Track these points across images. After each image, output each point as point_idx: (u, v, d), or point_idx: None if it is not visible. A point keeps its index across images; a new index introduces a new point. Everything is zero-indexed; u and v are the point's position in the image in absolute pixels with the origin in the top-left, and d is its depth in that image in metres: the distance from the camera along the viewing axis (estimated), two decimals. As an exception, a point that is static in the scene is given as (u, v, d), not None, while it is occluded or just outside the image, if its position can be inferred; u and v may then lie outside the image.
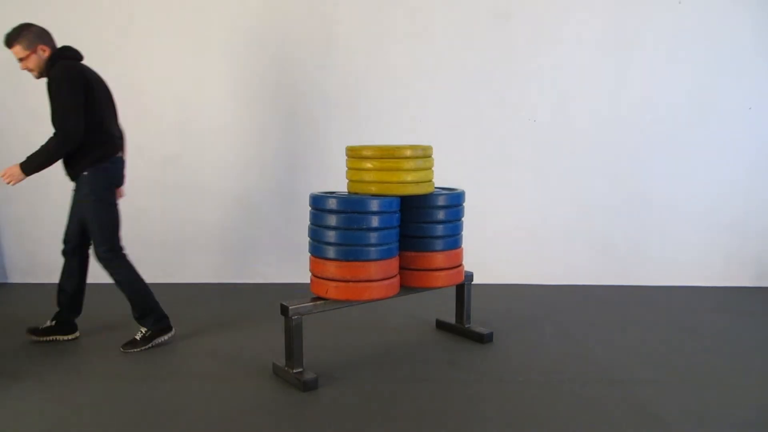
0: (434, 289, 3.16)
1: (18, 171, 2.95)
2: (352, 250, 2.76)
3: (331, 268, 2.79)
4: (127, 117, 4.46)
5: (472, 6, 4.39)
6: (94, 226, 3.11)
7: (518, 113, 4.48)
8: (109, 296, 4.22)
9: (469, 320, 3.42)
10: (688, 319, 3.77)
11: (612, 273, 4.57)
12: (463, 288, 3.40)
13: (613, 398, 2.62)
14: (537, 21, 4.40)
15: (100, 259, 3.13)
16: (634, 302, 4.14)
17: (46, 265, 4.59)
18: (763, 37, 4.38)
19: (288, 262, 4.50)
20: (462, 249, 3.21)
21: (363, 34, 4.43)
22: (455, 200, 3.12)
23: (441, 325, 3.55)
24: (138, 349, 3.13)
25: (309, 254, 2.92)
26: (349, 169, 3.02)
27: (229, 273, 4.61)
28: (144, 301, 3.19)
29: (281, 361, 2.85)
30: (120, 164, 3.24)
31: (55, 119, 2.93)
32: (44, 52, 2.99)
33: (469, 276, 3.38)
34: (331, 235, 2.78)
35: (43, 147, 2.95)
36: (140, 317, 3.19)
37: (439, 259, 3.07)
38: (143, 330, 3.18)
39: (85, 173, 3.06)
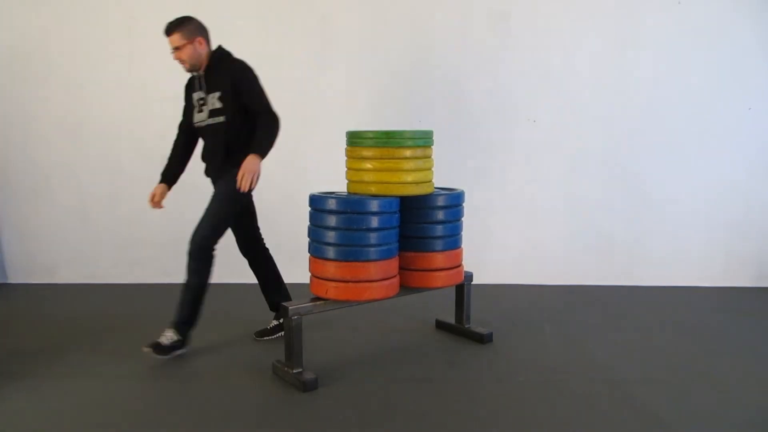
0: (434, 289, 3.16)
1: (256, 160, 2.89)
2: (351, 250, 2.76)
3: (331, 269, 2.79)
4: (127, 116, 4.49)
5: (472, 6, 4.38)
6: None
7: (518, 113, 4.48)
8: (110, 296, 4.24)
9: (468, 320, 3.42)
10: (688, 319, 3.77)
11: (612, 273, 4.57)
12: (463, 288, 3.40)
13: (613, 398, 2.62)
14: (537, 21, 4.40)
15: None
16: (634, 302, 4.14)
17: (46, 265, 4.60)
18: (763, 37, 4.38)
19: (288, 262, 4.48)
20: (462, 249, 3.21)
21: (363, 33, 4.43)
22: (455, 200, 3.12)
23: (441, 325, 3.55)
24: (163, 357, 2.97)
25: (309, 254, 2.92)
26: (349, 169, 3.02)
27: (229, 273, 4.60)
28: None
29: (281, 361, 2.85)
30: None
31: (260, 104, 3.01)
32: (201, 45, 3.07)
33: (469, 276, 3.38)
34: (331, 236, 2.78)
35: (267, 131, 2.98)
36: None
37: (438, 259, 3.07)
38: (174, 336, 3.01)
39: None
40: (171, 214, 4.57)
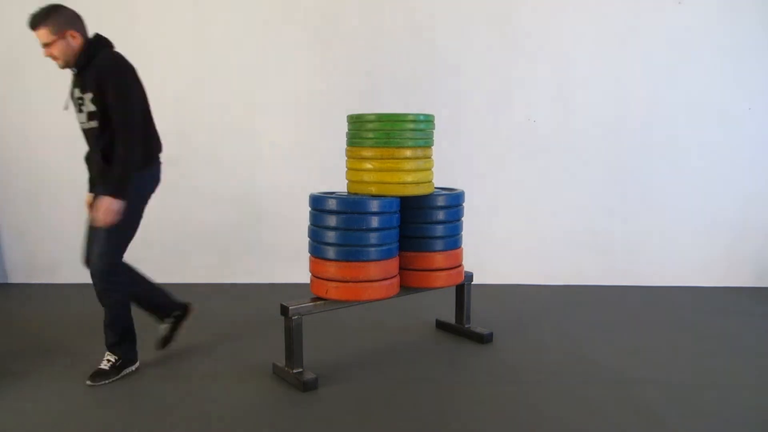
0: (434, 289, 3.16)
1: (108, 203, 2.54)
2: (351, 250, 2.76)
3: (331, 269, 2.79)
4: (127, 117, 4.48)
5: (472, 6, 4.39)
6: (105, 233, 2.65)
7: (518, 113, 4.48)
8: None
9: (469, 320, 3.42)
10: (688, 319, 3.77)
11: (612, 273, 4.57)
12: (463, 288, 3.40)
13: (614, 398, 2.62)
14: (537, 21, 4.40)
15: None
16: (634, 302, 4.14)
17: (46, 265, 4.60)
18: (763, 37, 4.38)
19: (288, 262, 4.50)
20: (462, 249, 3.21)
21: (363, 34, 4.43)
22: (455, 200, 3.12)
23: (441, 326, 3.55)
24: (109, 380, 2.75)
25: (309, 254, 2.92)
26: (349, 169, 3.02)
27: (229, 273, 4.62)
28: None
29: (281, 361, 2.85)
30: (160, 166, 2.90)
31: (118, 112, 2.58)
32: (74, 39, 2.64)
33: (469, 276, 3.38)
34: (331, 236, 2.78)
35: (121, 158, 2.56)
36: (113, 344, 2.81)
37: (438, 259, 3.07)
38: (113, 358, 2.80)
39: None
40: (171, 214, 4.59)
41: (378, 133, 2.88)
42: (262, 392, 2.68)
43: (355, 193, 2.96)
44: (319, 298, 2.85)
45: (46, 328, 3.53)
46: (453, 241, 3.13)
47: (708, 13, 4.36)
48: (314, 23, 4.41)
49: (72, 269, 4.57)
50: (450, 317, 3.51)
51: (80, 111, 2.71)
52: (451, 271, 3.13)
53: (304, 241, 2.98)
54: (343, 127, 3.11)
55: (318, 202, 2.84)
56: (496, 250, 4.55)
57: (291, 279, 4.43)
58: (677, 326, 3.63)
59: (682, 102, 4.45)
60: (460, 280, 3.23)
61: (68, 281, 4.56)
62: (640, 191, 4.53)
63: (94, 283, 2.73)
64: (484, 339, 3.29)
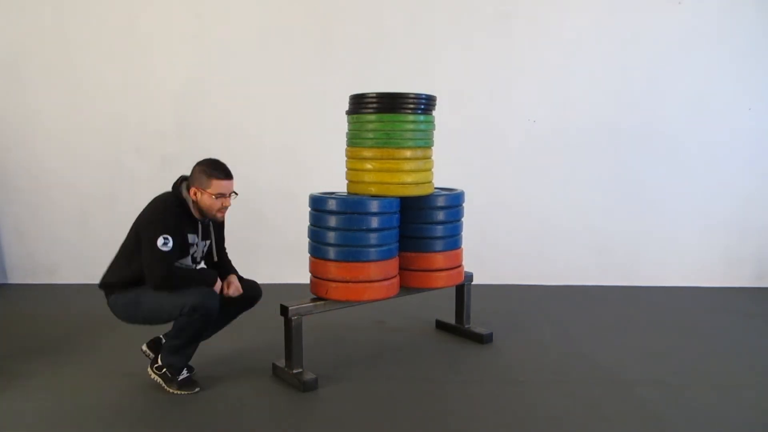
0: (434, 289, 3.16)
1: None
2: (351, 251, 2.76)
3: (331, 269, 2.79)
4: (127, 117, 4.49)
5: (472, 5, 4.38)
6: None
7: (518, 113, 4.48)
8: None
9: (468, 321, 3.42)
10: (688, 320, 3.77)
11: (612, 273, 4.57)
12: (463, 288, 3.40)
13: (614, 398, 2.62)
14: (537, 21, 4.40)
15: None
16: (634, 302, 4.14)
17: (46, 265, 4.60)
18: (763, 37, 4.38)
19: (288, 263, 4.49)
20: (462, 249, 3.21)
21: (363, 33, 4.43)
22: (455, 201, 3.13)
23: (441, 326, 3.55)
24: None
25: (309, 255, 2.92)
26: (349, 169, 3.02)
27: (229, 273, 4.60)
28: None
29: (281, 362, 2.85)
30: None
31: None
32: None
33: (469, 276, 3.38)
34: (331, 236, 2.78)
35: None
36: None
37: (438, 259, 3.07)
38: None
39: None
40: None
41: (378, 134, 2.88)
42: (262, 392, 2.68)
43: (355, 194, 2.95)
44: (319, 298, 2.85)
45: (46, 328, 3.53)
46: (453, 241, 3.13)
47: (708, 13, 4.36)
48: (314, 23, 4.40)
49: (71, 269, 4.58)
50: (450, 317, 3.51)
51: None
52: (451, 272, 3.13)
53: (304, 242, 2.97)
54: (343, 127, 3.10)
55: (318, 203, 2.84)
56: (496, 250, 4.55)
57: (291, 279, 4.43)
58: (677, 326, 3.63)
59: (682, 102, 4.45)
60: (460, 280, 3.23)
61: (68, 281, 4.56)
62: (640, 191, 4.53)
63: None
64: (484, 339, 3.29)
